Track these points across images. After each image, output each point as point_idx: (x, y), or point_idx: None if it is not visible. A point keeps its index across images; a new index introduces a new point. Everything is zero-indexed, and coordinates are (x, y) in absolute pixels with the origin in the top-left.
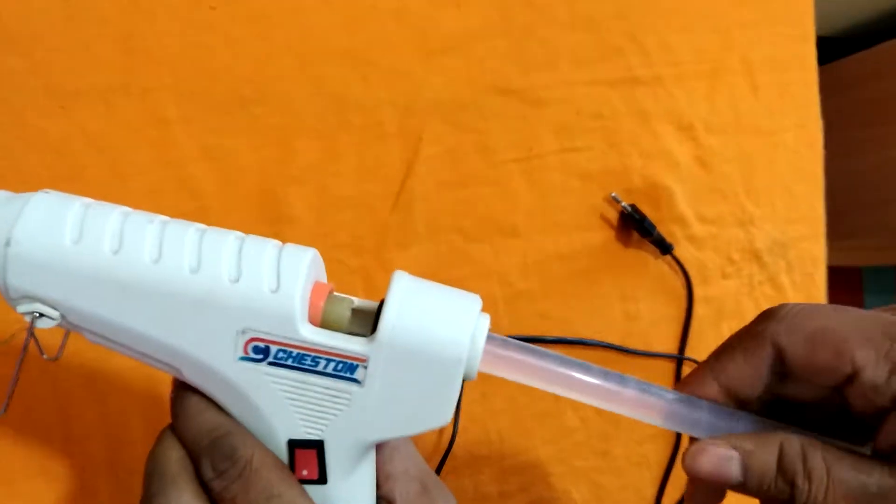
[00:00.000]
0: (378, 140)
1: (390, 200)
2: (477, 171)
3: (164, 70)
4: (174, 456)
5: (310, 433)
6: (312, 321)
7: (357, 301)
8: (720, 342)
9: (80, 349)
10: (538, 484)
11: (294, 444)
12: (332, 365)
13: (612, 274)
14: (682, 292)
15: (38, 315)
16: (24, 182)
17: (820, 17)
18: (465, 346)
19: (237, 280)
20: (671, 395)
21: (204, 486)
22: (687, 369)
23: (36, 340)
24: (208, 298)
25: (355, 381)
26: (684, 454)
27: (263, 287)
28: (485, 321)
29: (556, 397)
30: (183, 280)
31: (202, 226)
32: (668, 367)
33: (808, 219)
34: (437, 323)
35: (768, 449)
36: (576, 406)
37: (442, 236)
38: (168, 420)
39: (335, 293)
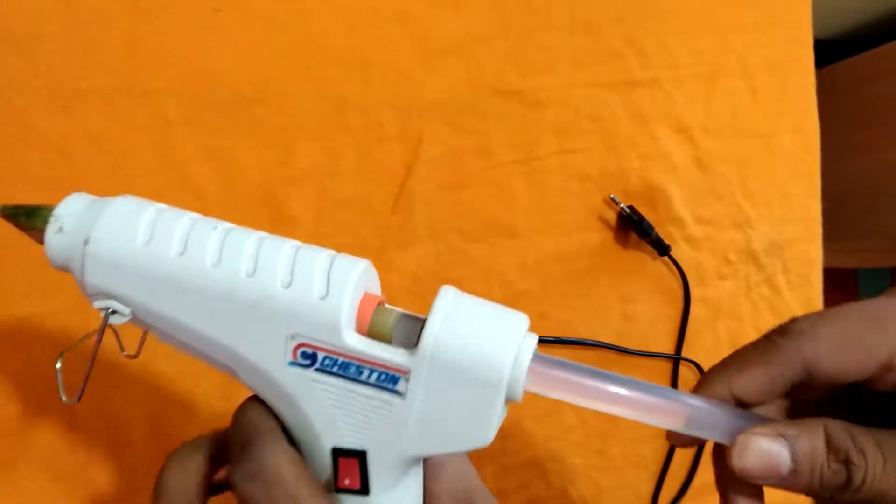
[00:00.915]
0: (378, 141)
1: (390, 201)
2: (476, 172)
3: (166, 71)
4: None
5: (353, 442)
6: (359, 330)
7: (406, 313)
8: (717, 342)
9: (81, 346)
10: (536, 482)
11: (337, 453)
12: (375, 375)
13: (611, 275)
14: (680, 293)
15: (111, 311)
16: (26, 183)
17: (816, 20)
18: (507, 366)
19: (289, 285)
20: (737, 411)
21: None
22: (684, 369)
23: (118, 337)
24: (261, 302)
25: (397, 392)
26: (729, 453)
27: (313, 293)
28: (531, 342)
29: None
30: (239, 283)
31: (264, 234)
32: (665, 368)
33: (804, 220)
34: (481, 340)
35: (814, 432)
36: (575, 406)
37: (442, 237)
38: (168, 420)
39: (385, 305)
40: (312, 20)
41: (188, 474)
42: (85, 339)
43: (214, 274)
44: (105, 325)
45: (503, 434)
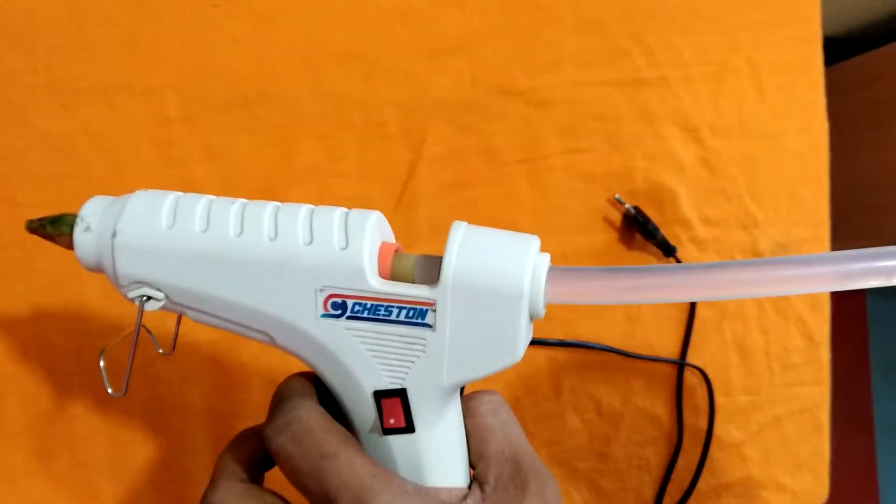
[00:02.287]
0: (381, 140)
1: (393, 201)
2: (480, 171)
3: (166, 69)
4: (222, 462)
5: (392, 383)
6: (382, 275)
7: (424, 255)
8: (723, 345)
9: (80, 347)
10: None
11: (379, 395)
12: (404, 312)
13: None
14: None
15: (146, 298)
16: (26, 181)
17: (825, 18)
18: (526, 278)
19: (311, 242)
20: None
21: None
22: (689, 374)
23: (152, 335)
24: (287, 262)
25: (427, 325)
26: None
27: (334, 246)
28: (545, 258)
29: (558, 397)
30: (263, 248)
31: (278, 203)
32: (670, 373)
33: (811, 221)
34: (497, 261)
35: None
36: (577, 407)
37: (445, 237)
38: (166, 422)
39: (402, 252)
40: (314, 17)
41: (244, 451)
42: (123, 336)
43: (239, 243)
44: (141, 311)
45: None
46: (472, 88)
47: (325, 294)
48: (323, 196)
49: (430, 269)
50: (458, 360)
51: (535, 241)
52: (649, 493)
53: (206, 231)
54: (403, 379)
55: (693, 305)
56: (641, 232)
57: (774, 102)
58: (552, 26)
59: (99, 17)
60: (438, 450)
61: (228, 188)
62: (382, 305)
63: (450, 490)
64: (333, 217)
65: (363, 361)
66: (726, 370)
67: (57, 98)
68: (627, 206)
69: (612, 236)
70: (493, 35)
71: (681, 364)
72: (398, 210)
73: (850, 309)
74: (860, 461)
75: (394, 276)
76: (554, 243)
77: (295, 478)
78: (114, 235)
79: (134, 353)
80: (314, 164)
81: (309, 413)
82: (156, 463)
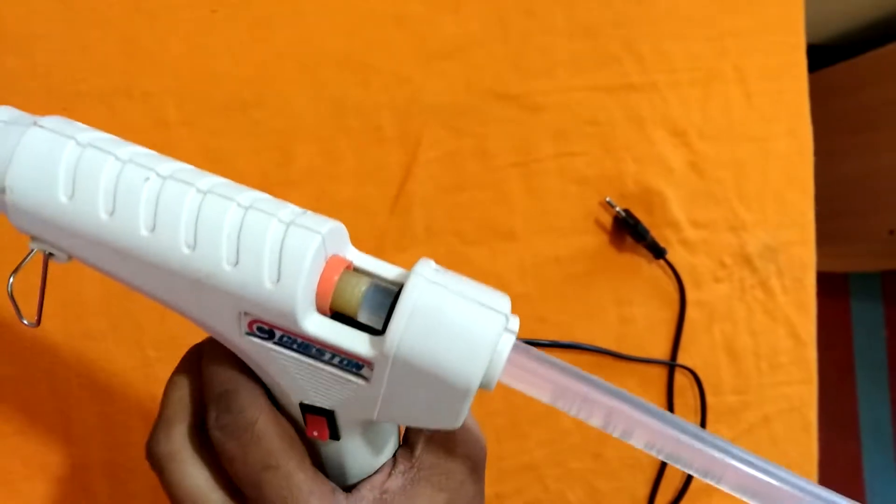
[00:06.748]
0: (377, 144)
1: (389, 204)
2: (475, 175)
3: (165, 73)
4: (175, 396)
5: (321, 402)
6: (322, 299)
7: (376, 283)
8: (712, 346)
9: (79, 349)
10: (534, 486)
11: (305, 409)
12: (337, 359)
13: (607, 278)
14: (676, 296)
15: (49, 253)
16: None
17: (809, 25)
18: (478, 376)
19: (236, 264)
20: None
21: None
22: (679, 376)
23: (16, 306)
24: (206, 280)
25: (362, 376)
26: None
27: (263, 277)
28: (507, 341)
29: None
30: (179, 257)
31: (206, 183)
32: (662, 374)
33: (798, 224)
34: (450, 346)
35: None
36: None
37: (440, 239)
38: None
39: (352, 270)
40: (310, 22)
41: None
42: (25, 262)
43: (151, 242)
44: (46, 263)
45: (500, 437)
46: (466, 93)
47: (249, 318)
48: (320, 199)
49: (380, 304)
50: (391, 410)
51: (499, 320)
52: (643, 492)
53: (112, 215)
54: (333, 404)
55: (683, 307)
56: (632, 234)
57: (761, 107)
58: (545, 32)
59: (97, 21)
60: (365, 448)
61: None
62: (314, 346)
63: (379, 472)
64: (267, 236)
65: (290, 380)
66: (716, 370)
67: (56, 102)
68: (618, 208)
69: (603, 238)
70: (488, 40)
71: (671, 365)
72: (394, 213)
73: (835, 313)
74: (847, 463)
75: (335, 304)
76: (547, 245)
77: (234, 477)
78: (2, 191)
79: (44, 287)
80: (311, 167)
81: (261, 417)
82: None
